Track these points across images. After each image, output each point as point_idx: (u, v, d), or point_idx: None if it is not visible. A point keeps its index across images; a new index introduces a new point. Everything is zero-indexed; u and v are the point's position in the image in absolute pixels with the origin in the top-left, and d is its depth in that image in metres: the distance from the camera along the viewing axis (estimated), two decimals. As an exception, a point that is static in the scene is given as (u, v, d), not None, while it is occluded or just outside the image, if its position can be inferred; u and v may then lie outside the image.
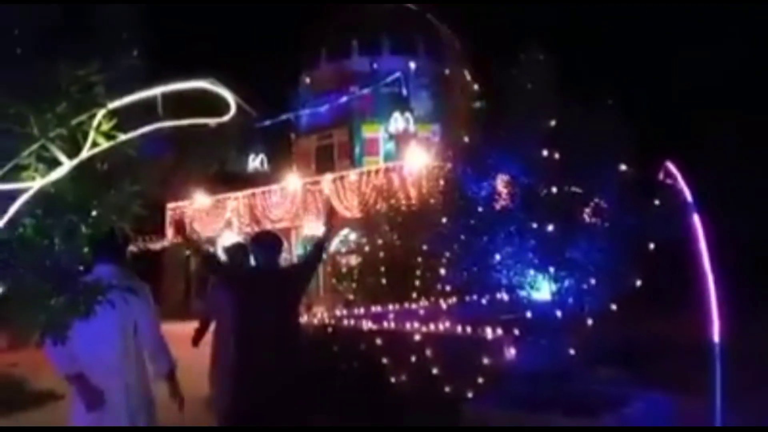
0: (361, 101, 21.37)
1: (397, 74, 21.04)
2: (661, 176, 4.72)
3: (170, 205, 22.71)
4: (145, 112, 2.52)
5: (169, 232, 22.89)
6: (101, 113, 2.27)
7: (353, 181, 17.90)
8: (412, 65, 21.67)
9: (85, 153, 2.21)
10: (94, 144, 2.24)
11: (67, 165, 2.19)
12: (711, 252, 4.78)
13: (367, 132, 21.73)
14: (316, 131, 22.73)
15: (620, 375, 7.05)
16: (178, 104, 2.67)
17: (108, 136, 2.30)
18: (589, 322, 5.77)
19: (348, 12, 23.25)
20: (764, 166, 16.23)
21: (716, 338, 4.67)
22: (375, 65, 21.75)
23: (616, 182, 5.94)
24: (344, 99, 21.10)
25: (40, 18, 2.46)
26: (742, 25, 19.53)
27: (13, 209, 2.15)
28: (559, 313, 5.62)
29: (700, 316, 4.78)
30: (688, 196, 4.82)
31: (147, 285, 3.96)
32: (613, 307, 5.74)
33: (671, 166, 4.69)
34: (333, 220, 5.66)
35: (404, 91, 21.13)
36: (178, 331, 8.18)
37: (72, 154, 2.21)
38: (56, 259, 2.63)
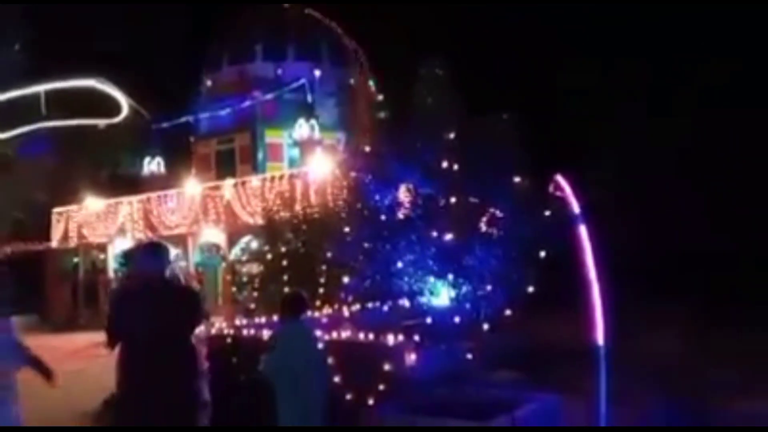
0: (265, 106, 21.05)
1: (302, 81, 20.94)
2: (551, 188, 4.99)
3: (57, 210, 21.23)
4: (27, 110, 2.35)
5: (55, 236, 21.41)
6: (-25, 110, 2.10)
7: (256, 186, 17.58)
8: (317, 73, 21.64)
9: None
10: (-34, 144, 2.06)
11: (-67, 166, 2.00)
12: (597, 260, 5.12)
13: (271, 137, 21.45)
14: (217, 135, 22.12)
15: (515, 378, 7.38)
16: (65, 103, 2.51)
17: (-18, 135, 2.13)
18: (486, 327, 5.99)
19: (252, 15, 22.89)
20: (651, 175, 17.61)
21: (600, 341, 5.00)
22: (279, 71, 21.54)
23: (512, 193, 6.21)
24: (247, 103, 20.70)
25: None
26: (632, 37, 20.95)
27: None
28: (457, 319, 5.80)
29: (588, 321, 5.10)
30: (576, 207, 5.14)
31: None
32: (508, 312, 5.98)
33: (561, 179, 4.98)
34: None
35: (309, 98, 21.05)
36: (66, 345, 7.64)
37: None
38: None
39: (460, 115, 6.62)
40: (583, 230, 5.13)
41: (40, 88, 2.12)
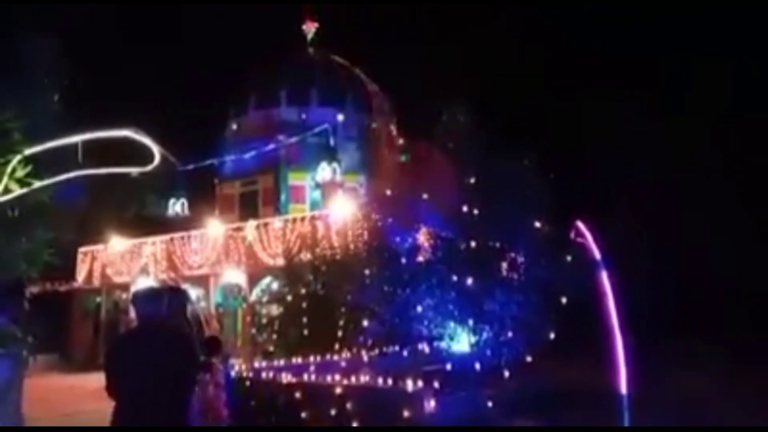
0: (289, 150, 21.41)
1: (325, 125, 21.32)
2: (572, 235, 5.00)
3: (82, 249, 21.59)
4: (63, 158, 2.47)
5: (80, 276, 21.70)
6: (16, 159, 2.21)
7: (278, 228, 17.72)
8: (340, 117, 22.04)
9: (-2, 199, 2.14)
10: (7, 190, 2.17)
11: (-24, 211, 2.11)
12: (619, 306, 5.06)
13: (294, 180, 21.73)
14: (241, 177, 22.48)
15: (535, 425, 7.22)
16: (99, 150, 2.63)
17: (22, 182, 2.24)
18: (506, 373, 5.91)
19: (278, 61, 23.52)
20: (674, 222, 17.46)
21: (624, 390, 4.90)
22: (303, 115, 21.96)
23: (532, 237, 6.21)
24: (271, 146, 21.09)
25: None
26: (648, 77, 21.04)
27: None
28: (477, 365, 5.74)
29: (610, 367, 5.01)
30: (597, 254, 5.12)
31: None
32: (529, 358, 5.91)
33: (581, 226, 4.98)
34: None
35: (332, 142, 21.40)
36: (85, 384, 7.70)
37: (-18, 199, 2.13)
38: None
39: (481, 159, 6.70)
40: (604, 276, 5.09)
41: (78, 138, 2.21)
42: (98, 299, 21.68)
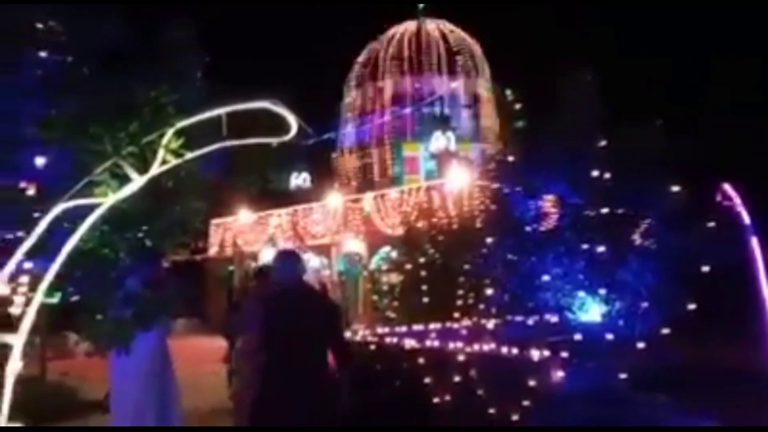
0: (402, 120, 21.53)
1: (439, 94, 21.14)
2: (718, 198, 4.61)
3: (215, 221, 23.16)
4: (209, 131, 2.61)
5: (213, 246, 23.36)
6: (170, 132, 2.36)
7: (394, 198, 17.96)
8: (454, 84, 21.76)
9: (155, 170, 2.31)
10: (163, 162, 2.33)
11: (138, 181, 2.29)
12: (770, 275, 4.63)
13: (408, 151, 21.84)
14: (357, 150, 22.99)
15: (669, 401, 6.83)
16: (237, 124, 2.76)
17: (176, 154, 2.39)
18: (640, 345, 5.62)
19: (391, 31, 23.57)
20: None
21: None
22: (417, 85, 21.92)
23: (669, 202, 5.81)
24: (385, 118, 21.29)
25: (114, 42, 2.59)
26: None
27: (88, 223, 2.25)
28: (610, 336, 5.50)
29: (758, 344, 4.62)
30: (746, 217, 4.69)
31: None
32: (665, 330, 5.58)
33: (729, 188, 4.57)
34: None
35: (445, 111, 21.21)
36: (222, 345, 8.38)
37: (142, 171, 2.30)
38: (121, 272, 2.73)
39: (606, 122, 6.33)
40: (754, 242, 4.67)
41: (223, 111, 2.35)
42: (230, 268, 23.24)
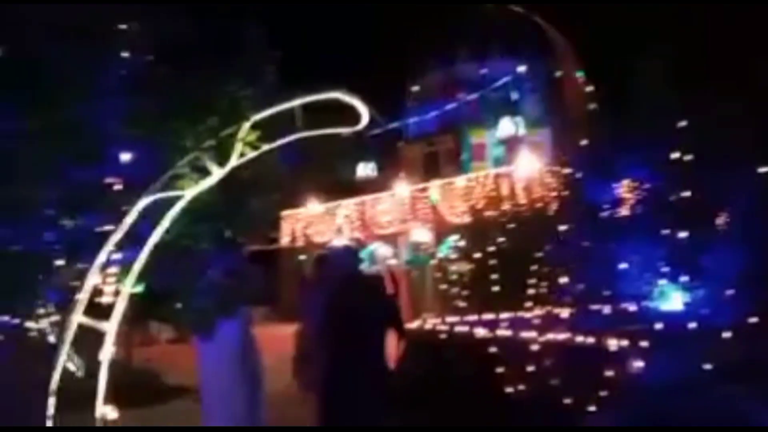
0: (469, 107, 21.23)
1: (506, 79, 20.71)
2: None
3: (285, 212, 23.69)
4: (283, 123, 2.66)
5: (284, 236, 23.94)
6: (247, 125, 2.43)
7: (461, 187, 17.81)
8: (521, 69, 21.24)
9: (234, 162, 2.37)
10: (241, 154, 2.40)
11: (217, 174, 2.36)
12: None
13: (475, 138, 21.56)
14: (423, 139, 22.87)
15: (756, 394, 6.47)
16: (309, 116, 2.80)
17: (253, 146, 2.46)
18: (726, 335, 5.35)
19: (455, 17, 23.26)
20: None
21: None
22: (483, 70, 21.56)
23: (754, 184, 5.48)
24: (452, 105, 21.06)
25: (190, 41, 2.68)
26: None
27: (171, 215, 2.34)
28: (693, 325, 5.25)
29: None
30: None
31: None
32: (754, 319, 5.28)
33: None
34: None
35: (513, 96, 20.75)
36: (289, 333, 8.66)
37: (221, 163, 2.38)
38: (203, 262, 2.83)
39: (685, 103, 6.02)
40: None
41: (296, 103, 2.40)
42: (301, 257, 23.76)
